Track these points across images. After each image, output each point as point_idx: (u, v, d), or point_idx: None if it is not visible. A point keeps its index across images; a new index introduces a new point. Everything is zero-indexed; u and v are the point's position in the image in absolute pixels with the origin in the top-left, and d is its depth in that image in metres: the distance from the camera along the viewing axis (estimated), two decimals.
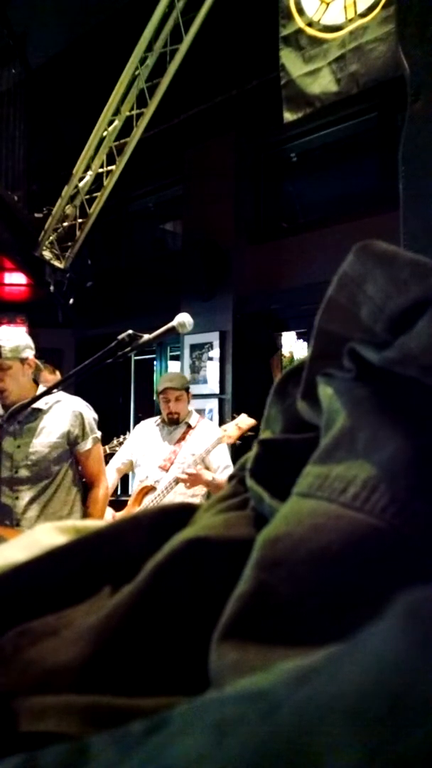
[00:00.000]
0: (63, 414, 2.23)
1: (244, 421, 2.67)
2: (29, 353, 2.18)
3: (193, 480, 2.53)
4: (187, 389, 2.87)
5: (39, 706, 0.22)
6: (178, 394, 2.80)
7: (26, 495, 2.15)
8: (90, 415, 2.31)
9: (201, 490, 2.70)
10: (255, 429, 2.63)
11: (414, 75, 1.80)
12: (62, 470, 2.23)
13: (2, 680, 0.24)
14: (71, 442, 2.23)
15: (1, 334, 2.16)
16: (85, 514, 2.31)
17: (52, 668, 0.24)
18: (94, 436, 2.31)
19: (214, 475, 2.59)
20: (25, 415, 2.16)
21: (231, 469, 2.70)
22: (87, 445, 2.28)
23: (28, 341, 2.21)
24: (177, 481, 2.58)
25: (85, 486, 2.37)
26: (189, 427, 2.83)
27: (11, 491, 2.15)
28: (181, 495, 2.65)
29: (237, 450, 4.48)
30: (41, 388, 2.20)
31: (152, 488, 2.69)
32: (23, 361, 2.15)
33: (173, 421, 2.81)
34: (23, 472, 2.15)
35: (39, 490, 2.17)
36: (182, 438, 2.80)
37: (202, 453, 2.61)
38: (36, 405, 2.15)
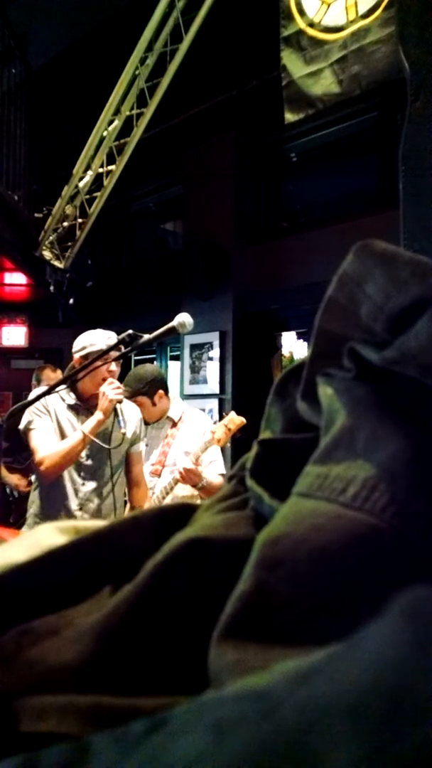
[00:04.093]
0: (131, 414, 2.32)
1: (233, 420, 2.48)
2: (83, 352, 2.25)
3: (188, 475, 2.41)
4: (145, 393, 2.57)
5: (40, 705, 0.22)
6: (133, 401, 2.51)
7: (90, 484, 2.20)
8: None
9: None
10: (245, 428, 2.48)
11: (413, 75, 1.80)
12: (121, 467, 2.30)
13: (3, 680, 0.24)
14: (132, 441, 2.32)
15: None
16: None
17: (53, 668, 0.24)
18: (144, 439, 2.45)
19: (207, 477, 2.45)
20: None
21: (217, 464, 2.64)
22: (141, 446, 2.39)
23: (85, 341, 2.28)
24: (176, 481, 2.50)
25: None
26: (173, 423, 2.66)
27: (79, 477, 2.20)
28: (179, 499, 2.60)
29: (237, 449, 4.48)
30: (42, 388, 2.20)
31: None
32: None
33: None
34: (92, 462, 2.20)
35: (103, 481, 2.23)
36: (169, 436, 2.64)
37: (192, 457, 2.45)
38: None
